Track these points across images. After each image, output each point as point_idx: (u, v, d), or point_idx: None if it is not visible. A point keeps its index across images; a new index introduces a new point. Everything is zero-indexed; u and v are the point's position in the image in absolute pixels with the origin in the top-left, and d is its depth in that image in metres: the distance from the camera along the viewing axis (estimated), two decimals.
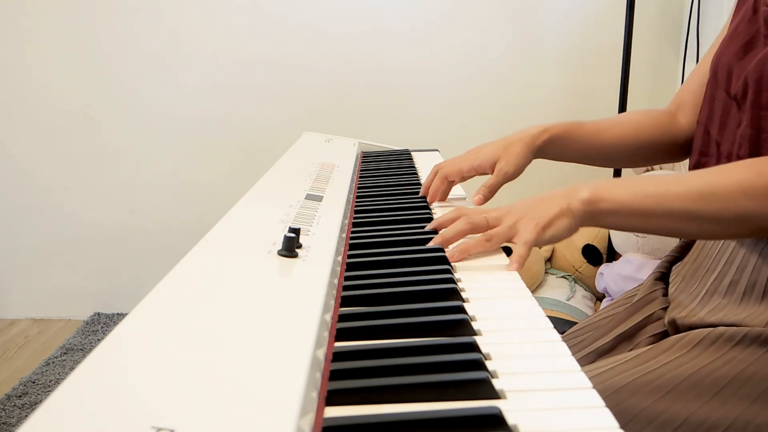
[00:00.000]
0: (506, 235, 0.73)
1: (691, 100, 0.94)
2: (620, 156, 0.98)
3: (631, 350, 0.84)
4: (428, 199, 0.96)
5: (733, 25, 0.82)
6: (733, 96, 0.77)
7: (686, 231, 0.74)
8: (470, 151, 0.96)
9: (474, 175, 0.95)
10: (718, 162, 0.79)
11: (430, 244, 0.74)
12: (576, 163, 0.99)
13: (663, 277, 0.91)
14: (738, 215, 0.66)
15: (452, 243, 0.74)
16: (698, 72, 0.94)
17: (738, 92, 0.75)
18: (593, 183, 0.73)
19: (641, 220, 0.71)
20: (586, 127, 0.95)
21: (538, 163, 0.97)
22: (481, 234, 0.73)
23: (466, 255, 0.71)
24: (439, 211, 0.92)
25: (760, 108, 0.71)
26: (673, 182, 0.70)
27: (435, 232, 0.78)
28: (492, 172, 0.92)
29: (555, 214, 0.72)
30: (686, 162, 0.92)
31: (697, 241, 0.86)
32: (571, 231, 0.73)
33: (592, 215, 0.72)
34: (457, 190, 1.00)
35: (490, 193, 0.90)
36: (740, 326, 0.71)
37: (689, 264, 0.85)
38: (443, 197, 0.96)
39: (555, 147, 0.94)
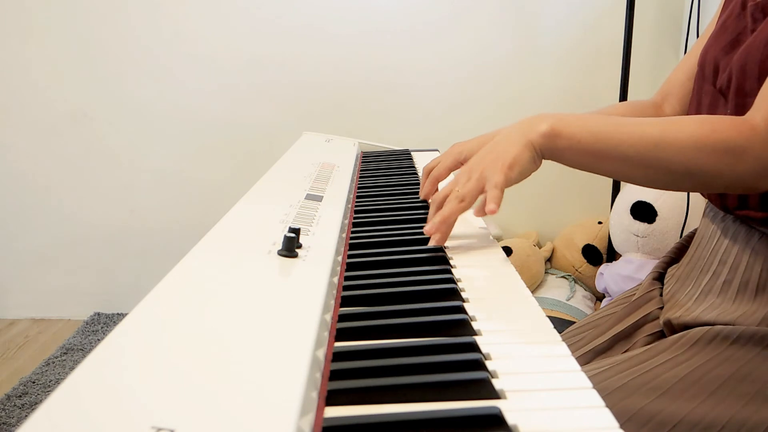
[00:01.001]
0: (477, 187, 0.73)
1: (677, 91, 0.95)
2: None
3: (628, 350, 0.84)
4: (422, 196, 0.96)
5: (721, 20, 0.82)
6: (719, 89, 0.77)
7: (635, 176, 0.75)
8: (456, 146, 0.95)
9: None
10: None
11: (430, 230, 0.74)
12: None
13: (660, 277, 0.91)
14: (687, 168, 0.68)
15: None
16: (685, 63, 0.94)
17: (723, 84, 0.76)
18: (553, 116, 0.73)
19: (595, 160, 0.72)
20: None
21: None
22: (453, 198, 0.73)
23: (447, 223, 0.73)
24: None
25: (745, 95, 0.72)
26: (630, 127, 0.71)
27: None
28: None
29: (518, 150, 0.72)
30: None
31: (692, 243, 0.86)
32: (535, 164, 0.73)
33: (550, 149, 0.72)
34: None
35: None
36: (735, 325, 0.71)
37: (684, 266, 0.86)
38: None
39: None
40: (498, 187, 0.70)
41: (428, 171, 0.95)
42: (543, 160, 0.75)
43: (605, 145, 0.70)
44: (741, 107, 0.72)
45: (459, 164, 0.93)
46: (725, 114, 0.76)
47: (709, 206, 0.84)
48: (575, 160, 0.73)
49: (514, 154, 0.72)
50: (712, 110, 0.79)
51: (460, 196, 0.73)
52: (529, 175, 0.73)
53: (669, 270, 0.90)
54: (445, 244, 0.76)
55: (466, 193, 0.73)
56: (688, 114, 0.87)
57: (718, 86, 0.78)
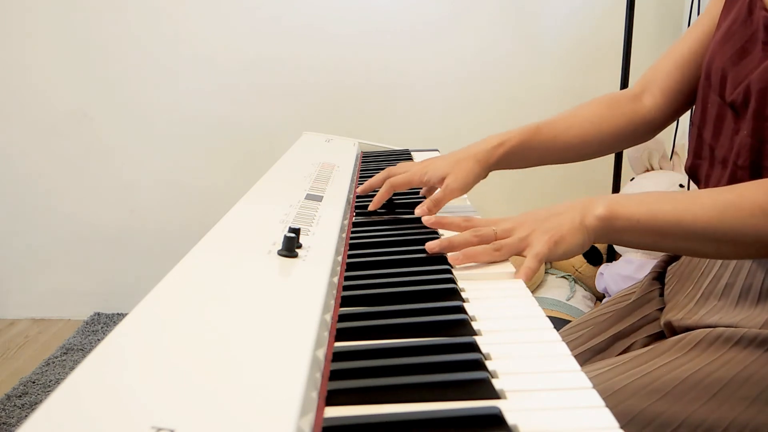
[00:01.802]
0: (517, 247, 0.71)
1: (661, 81, 0.91)
2: (583, 154, 0.96)
3: (626, 349, 0.84)
4: (370, 208, 0.93)
5: (726, 25, 0.80)
6: (729, 102, 0.75)
7: (702, 251, 0.72)
8: (423, 163, 0.94)
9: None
10: (711, 166, 0.79)
11: (433, 247, 0.72)
12: (537, 166, 0.96)
13: (660, 276, 0.91)
14: (757, 237, 0.66)
15: (457, 251, 0.72)
16: (673, 53, 0.91)
17: (738, 99, 0.74)
18: (608, 198, 0.71)
19: (657, 239, 0.69)
20: (544, 133, 0.92)
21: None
22: (490, 243, 0.71)
23: (470, 261, 0.70)
24: (440, 215, 0.92)
25: (764, 119, 0.70)
26: (690, 201, 0.68)
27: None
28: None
29: (569, 229, 0.70)
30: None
31: None
32: (583, 247, 0.71)
33: (607, 232, 0.70)
34: (462, 202, 0.99)
35: (435, 207, 0.88)
36: (737, 328, 0.71)
37: (684, 265, 0.85)
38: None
39: (512, 159, 0.91)
40: (537, 258, 0.68)
41: (389, 174, 0.93)
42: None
43: (666, 222, 0.68)
44: (759, 130, 0.71)
45: (422, 185, 0.92)
46: (734, 129, 0.75)
47: None
48: (636, 240, 0.71)
49: (565, 233, 0.70)
50: (718, 122, 0.78)
51: (499, 247, 0.71)
52: (573, 257, 0.71)
53: (669, 268, 0.90)
54: None
55: (505, 246, 0.71)
56: (691, 122, 0.85)
57: (728, 100, 0.75)
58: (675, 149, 1.94)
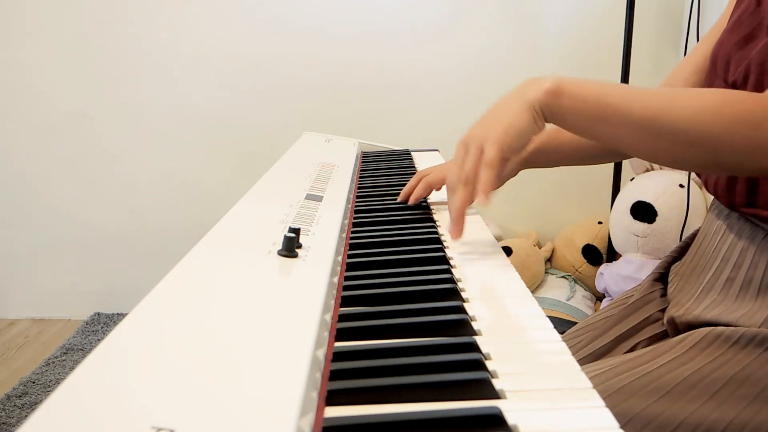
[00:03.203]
0: (476, 163, 0.68)
1: (680, 86, 0.92)
2: (607, 153, 0.96)
3: (629, 351, 0.84)
4: (409, 203, 0.96)
5: (735, 16, 0.81)
6: (731, 83, 0.76)
7: (639, 146, 0.69)
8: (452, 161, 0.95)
9: None
10: None
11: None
12: (562, 166, 0.98)
13: (661, 277, 0.91)
14: (698, 136, 0.63)
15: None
16: (690, 59, 0.92)
17: (738, 78, 0.74)
18: (557, 76, 0.69)
19: (598, 123, 0.67)
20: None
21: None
22: (457, 185, 0.69)
23: (460, 215, 0.69)
24: (440, 214, 0.92)
25: (762, 90, 0.69)
26: (640, 91, 0.67)
27: (430, 226, 0.78)
28: None
29: (514, 114, 0.67)
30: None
31: (696, 239, 0.86)
32: (536, 124, 0.68)
33: (552, 109, 0.68)
34: None
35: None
36: (736, 326, 0.71)
37: (687, 263, 0.85)
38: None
39: (543, 155, 0.93)
40: (491, 166, 0.66)
41: (423, 175, 0.96)
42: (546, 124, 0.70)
43: (611, 108, 0.66)
44: None
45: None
46: None
47: (715, 203, 0.83)
48: (578, 123, 0.68)
49: (510, 118, 0.67)
50: None
51: (463, 179, 0.68)
52: (530, 138, 0.68)
53: (673, 268, 0.90)
54: (446, 244, 0.76)
55: (469, 172, 0.68)
56: None
57: (731, 81, 0.76)
58: None
